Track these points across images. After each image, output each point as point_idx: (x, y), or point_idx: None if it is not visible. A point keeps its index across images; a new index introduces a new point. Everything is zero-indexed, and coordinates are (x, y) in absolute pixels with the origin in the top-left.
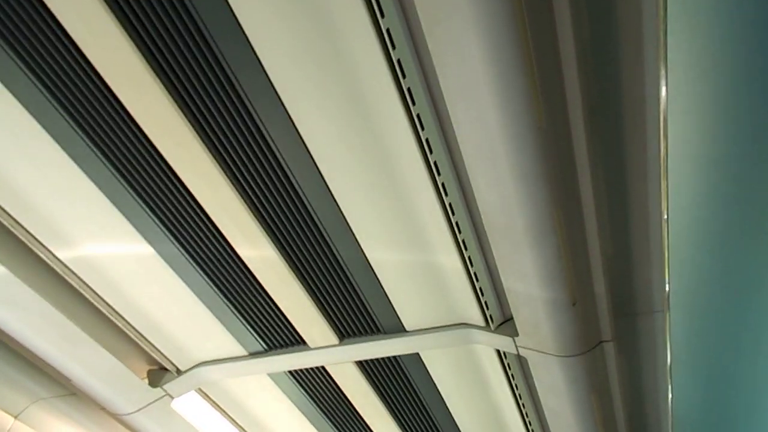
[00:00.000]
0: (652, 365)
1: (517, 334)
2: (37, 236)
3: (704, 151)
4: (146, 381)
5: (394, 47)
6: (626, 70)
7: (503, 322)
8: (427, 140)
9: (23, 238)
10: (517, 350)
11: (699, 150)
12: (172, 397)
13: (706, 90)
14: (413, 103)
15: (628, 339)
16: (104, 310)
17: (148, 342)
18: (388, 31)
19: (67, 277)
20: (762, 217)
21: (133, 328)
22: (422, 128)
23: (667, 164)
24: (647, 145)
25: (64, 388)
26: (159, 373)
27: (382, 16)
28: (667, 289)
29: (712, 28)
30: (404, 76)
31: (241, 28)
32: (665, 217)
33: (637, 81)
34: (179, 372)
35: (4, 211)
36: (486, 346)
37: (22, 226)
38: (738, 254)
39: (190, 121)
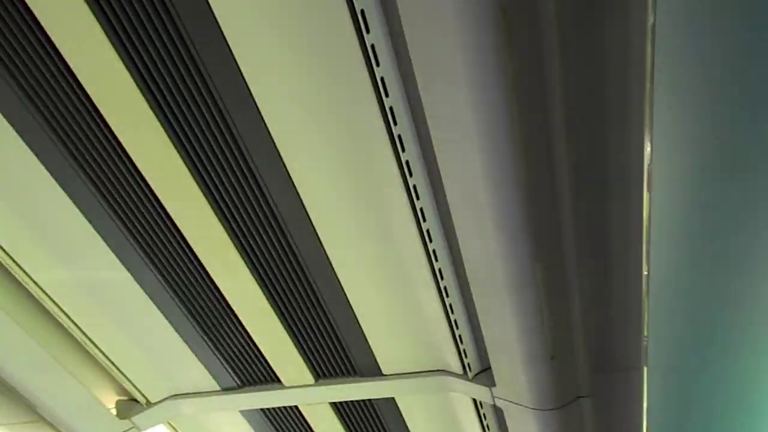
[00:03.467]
0: (627, 423)
1: (495, 385)
2: (13, 256)
3: (686, 212)
4: (114, 412)
5: (387, 95)
6: (612, 130)
7: (481, 372)
8: (414, 187)
9: (1, 258)
10: (494, 400)
11: (681, 210)
12: (140, 430)
13: (690, 155)
14: (403, 150)
15: (605, 395)
16: (76, 336)
17: (119, 371)
18: (382, 79)
19: (41, 301)
20: (741, 280)
21: (105, 355)
22: (410, 175)
23: (649, 222)
24: (630, 203)
25: (28, 415)
26: (128, 404)
27: (378, 65)
28: (644, 346)
29: (698, 93)
30: (395, 123)
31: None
32: (645, 273)
33: (622, 141)
34: (149, 404)
35: None
36: (462, 394)
37: (1, 247)
38: (717, 316)
39: (179, 150)
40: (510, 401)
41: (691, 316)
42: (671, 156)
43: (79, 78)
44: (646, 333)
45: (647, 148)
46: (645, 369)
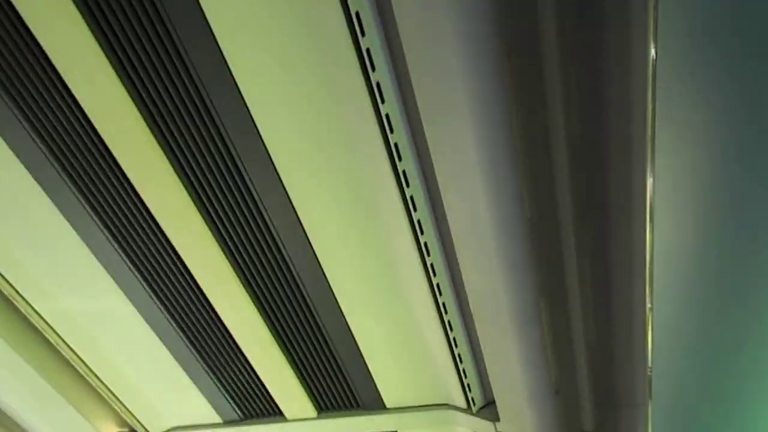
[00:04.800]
0: None
1: (499, 419)
2: (16, 287)
3: (689, 247)
4: None
5: (392, 131)
6: (614, 166)
7: (485, 406)
8: (418, 221)
9: (2, 289)
10: None
11: (684, 246)
12: None
13: (693, 190)
14: (407, 185)
15: (610, 431)
16: (77, 367)
17: (120, 403)
18: (387, 116)
19: (43, 331)
20: (746, 316)
21: (106, 387)
22: (414, 209)
23: (652, 257)
24: (633, 238)
25: None
26: None
27: (383, 102)
28: (648, 380)
29: (701, 129)
30: (400, 159)
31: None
32: (648, 306)
33: (624, 178)
34: None
35: None
36: (466, 428)
37: (2, 276)
38: (721, 352)
39: (184, 183)
40: None
41: (695, 351)
42: (674, 191)
43: (91, 119)
44: (650, 368)
45: (649, 183)
46: (649, 405)
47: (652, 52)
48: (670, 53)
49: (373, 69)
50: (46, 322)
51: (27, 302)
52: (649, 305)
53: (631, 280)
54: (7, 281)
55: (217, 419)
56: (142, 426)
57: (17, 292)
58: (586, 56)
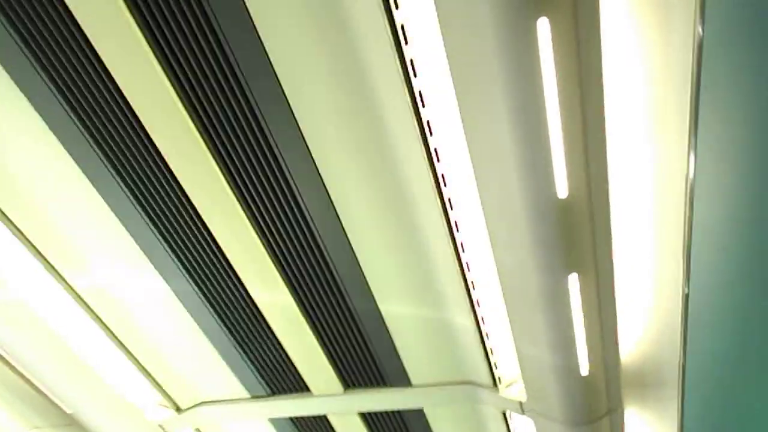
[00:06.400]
0: None
1: (525, 397)
2: (54, 264)
3: (729, 228)
4: (145, 417)
5: (423, 106)
6: (653, 143)
7: (511, 384)
8: (449, 199)
9: (42, 264)
10: (524, 413)
11: (723, 227)
12: None
13: (735, 168)
14: (438, 161)
15: (638, 410)
16: (111, 342)
17: (151, 377)
18: (420, 93)
19: (79, 306)
20: None
21: (138, 361)
22: (445, 185)
23: (690, 237)
24: (670, 219)
25: (61, 418)
26: (159, 409)
27: (415, 76)
28: (681, 362)
29: (744, 109)
30: (431, 134)
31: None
32: (686, 292)
33: (663, 154)
34: (179, 410)
35: (26, 238)
36: (492, 406)
37: (41, 253)
38: (756, 335)
39: (219, 164)
40: (540, 414)
41: (732, 331)
42: (714, 170)
43: (139, 117)
44: (683, 350)
45: (691, 163)
46: (682, 385)
47: (699, 30)
48: (716, 32)
49: (406, 42)
50: (81, 298)
51: (65, 280)
52: (685, 290)
53: (666, 259)
54: (44, 258)
55: (245, 394)
56: (172, 400)
57: (54, 268)
58: (626, 28)
